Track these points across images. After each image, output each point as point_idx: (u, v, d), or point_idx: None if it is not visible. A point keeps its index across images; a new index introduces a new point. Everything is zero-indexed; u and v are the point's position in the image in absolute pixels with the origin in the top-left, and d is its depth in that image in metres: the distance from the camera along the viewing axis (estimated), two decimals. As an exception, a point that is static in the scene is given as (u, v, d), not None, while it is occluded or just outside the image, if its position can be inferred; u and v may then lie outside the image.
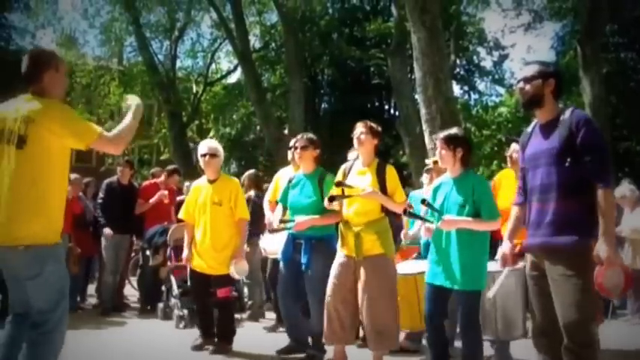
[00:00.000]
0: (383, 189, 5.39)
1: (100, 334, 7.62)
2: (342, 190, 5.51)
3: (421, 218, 5.47)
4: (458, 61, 28.85)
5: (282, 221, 6.11)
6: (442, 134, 5.16)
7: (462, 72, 31.72)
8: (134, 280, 10.65)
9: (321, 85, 32.13)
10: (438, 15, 12.10)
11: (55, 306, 3.77)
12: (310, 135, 6.27)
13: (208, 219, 6.41)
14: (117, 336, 7.51)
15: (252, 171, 9.45)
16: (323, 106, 32.73)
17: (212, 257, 6.39)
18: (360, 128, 5.54)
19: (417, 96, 14.33)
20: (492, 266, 5.40)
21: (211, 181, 6.54)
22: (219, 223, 6.40)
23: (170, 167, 10.29)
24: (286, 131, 21.92)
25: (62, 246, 3.97)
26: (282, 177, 6.71)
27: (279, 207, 6.36)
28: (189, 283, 7.04)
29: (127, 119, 4.08)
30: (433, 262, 5.03)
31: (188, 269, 6.77)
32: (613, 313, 9.03)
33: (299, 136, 6.27)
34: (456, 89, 29.68)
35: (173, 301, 8.22)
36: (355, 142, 5.55)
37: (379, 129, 5.63)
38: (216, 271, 6.39)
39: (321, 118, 30.82)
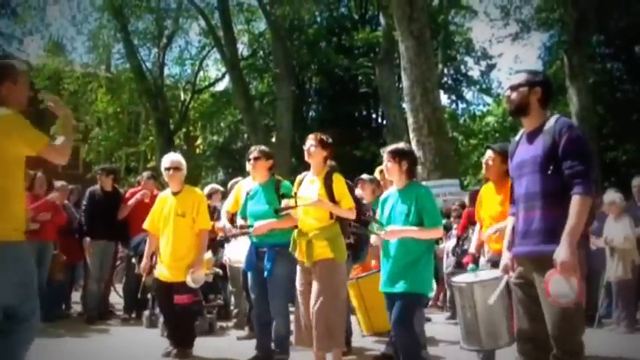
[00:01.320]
0: (331, 196, 5.58)
1: (84, 341, 7.56)
2: (296, 202, 5.70)
3: (369, 232, 5.70)
4: (445, 71, 29.03)
5: (241, 227, 6.32)
6: (388, 148, 5.40)
7: (449, 81, 31.89)
8: (120, 287, 10.58)
9: (309, 93, 32.19)
10: (426, 24, 12.18)
11: (23, 300, 3.87)
12: (262, 147, 6.56)
13: (171, 229, 6.55)
14: (102, 344, 7.45)
15: (238, 179, 9.41)
16: (311, 114, 32.78)
17: (172, 266, 6.51)
18: (310, 141, 5.74)
19: (404, 105, 14.42)
20: (473, 276, 5.45)
21: (175, 193, 6.68)
22: (181, 233, 6.52)
23: (146, 173, 10.23)
24: (274, 139, 21.94)
25: (25, 245, 4.02)
26: (243, 187, 6.78)
27: (239, 219, 6.52)
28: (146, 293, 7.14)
29: (67, 132, 4.20)
30: (383, 270, 5.26)
31: (145, 279, 6.98)
32: (599, 322, 9.06)
33: (253, 148, 6.53)
34: (444, 98, 29.83)
35: (158, 308, 8.17)
36: (306, 154, 5.75)
37: (329, 141, 5.80)
38: (176, 278, 6.50)
39: (309, 126, 30.78)
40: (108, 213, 9.11)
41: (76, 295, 10.58)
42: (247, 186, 6.62)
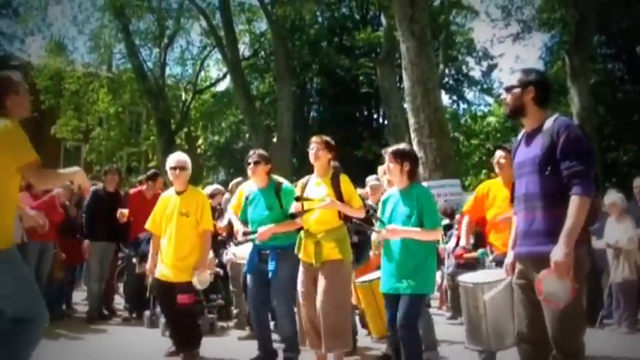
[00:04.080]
0: (339, 197, 5.62)
1: (85, 341, 7.55)
2: (302, 205, 5.70)
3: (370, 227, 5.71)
4: (447, 71, 29.00)
5: (245, 233, 6.30)
6: (390, 149, 5.43)
7: (450, 81, 31.91)
8: (121, 287, 10.58)
9: (310, 93, 32.22)
10: (427, 25, 12.17)
11: (27, 307, 3.93)
12: (261, 151, 6.53)
13: (174, 229, 6.52)
14: (102, 343, 7.45)
15: (239, 179, 9.41)
16: (312, 114, 32.83)
17: (174, 265, 6.48)
18: (314, 144, 5.79)
19: (405, 105, 14.40)
20: (482, 277, 5.44)
21: (179, 193, 6.66)
22: (184, 232, 6.50)
23: (150, 172, 10.17)
24: (275, 139, 21.92)
25: (14, 249, 4.07)
26: (245, 191, 6.77)
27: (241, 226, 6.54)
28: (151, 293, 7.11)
29: (65, 172, 4.32)
30: (383, 271, 5.27)
31: (150, 279, 6.90)
32: (600, 322, 9.05)
33: (251, 152, 6.51)
34: (445, 98, 29.87)
35: (159, 308, 8.16)
36: (311, 157, 5.79)
37: (333, 143, 5.85)
38: (177, 278, 6.47)
39: (310, 126, 30.86)
40: (109, 213, 9.10)
41: (77, 296, 10.58)
42: (248, 189, 6.61)
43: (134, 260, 8.89)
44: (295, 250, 5.79)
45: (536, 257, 3.71)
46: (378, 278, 5.55)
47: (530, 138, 3.89)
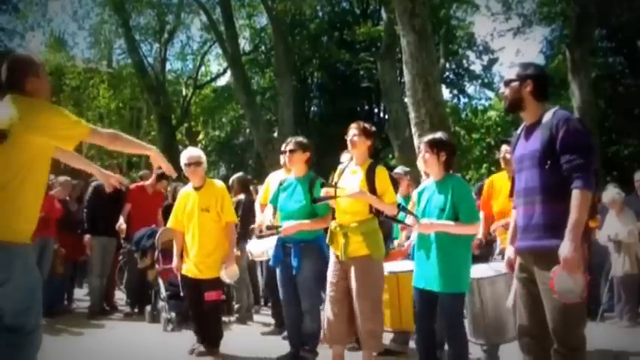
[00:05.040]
0: (372, 189, 5.37)
1: (86, 336, 7.56)
2: (335, 192, 5.48)
3: (399, 221, 5.52)
4: (447, 65, 28.94)
5: (269, 227, 6.15)
6: (426, 138, 5.21)
7: (451, 76, 31.82)
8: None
9: (311, 88, 32.15)
10: (428, 19, 12.13)
11: (30, 307, 3.65)
12: (300, 138, 6.28)
13: (196, 225, 6.44)
14: (103, 339, 7.46)
15: (240, 174, 9.42)
16: (312, 109, 32.76)
17: (201, 262, 6.40)
18: (353, 130, 5.53)
19: (406, 99, 14.37)
20: (482, 271, 5.43)
21: (197, 188, 6.58)
22: (207, 228, 6.42)
23: (159, 171, 10.17)
24: (276, 134, 21.92)
25: (32, 247, 3.80)
26: (273, 180, 6.69)
27: (269, 207, 6.37)
28: (181, 291, 6.98)
29: (140, 143, 4.40)
30: (418, 266, 5.08)
31: (179, 277, 6.75)
32: (601, 316, 9.06)
33: (289, 140, 6.30)
34: (446, 93, 29.79)
35: (161, 304, 8.18)
36: (349, 143, 5.54)
37: (373, 129, 5.62)
38: (205, 274, 6.40)
39: (311, 121, 30.85)
40: (111, 208, 9.10)
41: (78, 291, 10.59)
42: (277, 178, 6.48)
43: (135, 255, 8.89)
44: (327, 240, 5.63)
45: (537, 251, 3.71)
46: (407, 272, 5.43)
47: (529, 132, 3.89)
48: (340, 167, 5.78)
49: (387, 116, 25.08)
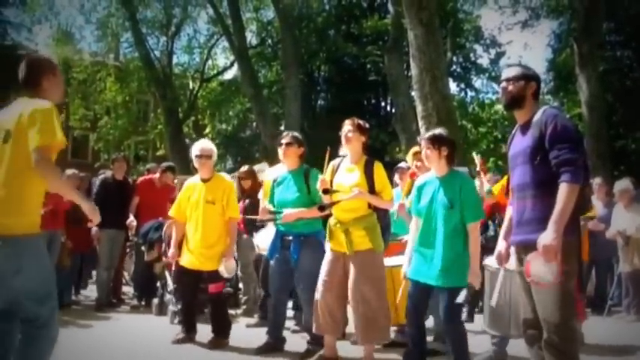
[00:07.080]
0: (371, 186, 5.44)
1: (93, 329, 7.58)
2: (331, 197, 5.55)
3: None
4: (454, 59, 28.92)
5: (270, 212, 6.20)
6: (427, 134, 5.29)
7: (458, 69, 31.78)
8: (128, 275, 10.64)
9: (318, 81, 32.14)
10: (435, 12, 12.12)
11: (45, 297, 3.76)
12: (295, 133, 6.41)
13: (200, 216, 6.51)
14: (110, 331, 7.47)
15: (246, 167, 9.41)
16: (319, 102, 32.75)
17: (202, 254, 6.48)
18: (347, 126, 5.59)
19: (413, 93, 14.36)
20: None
21: (205, 180, 6.64)
22: (210, 220, 6.49)
23: (165, 165, 10.23)
24: (282, 127, 21.93)
25: (42, 238, 3.90)
26: (270, 176, 6.72)
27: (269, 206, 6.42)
28: (173, 280, 7.08)
29: (73, 191, 4.20)
30: (416, 260, 5.14)
31: (173, 266, 6.85)
32: (609, 310, 9.06)
33: (284, 134, 6.39)
34: (453, 86, 29.74)
35: (168, 296, 8.20)
36: (343, 139, 5.59)
37: (367, 126, 5.68)
38: (206, 267, 6.48)
39: (318, 114, 30.84)
40: (118, 201, 9.12)
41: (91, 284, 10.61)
42: (273, 174, 6.55)
43: (142, 248, 8.91)
44: (326, 238, 5.69)
45: (529, 245, 3.76)
46: (400, 265, 5.49)
47: (523, 130, 4.01)
48: (332, 164, 5.78)
49: (394, 110, 25.04)
